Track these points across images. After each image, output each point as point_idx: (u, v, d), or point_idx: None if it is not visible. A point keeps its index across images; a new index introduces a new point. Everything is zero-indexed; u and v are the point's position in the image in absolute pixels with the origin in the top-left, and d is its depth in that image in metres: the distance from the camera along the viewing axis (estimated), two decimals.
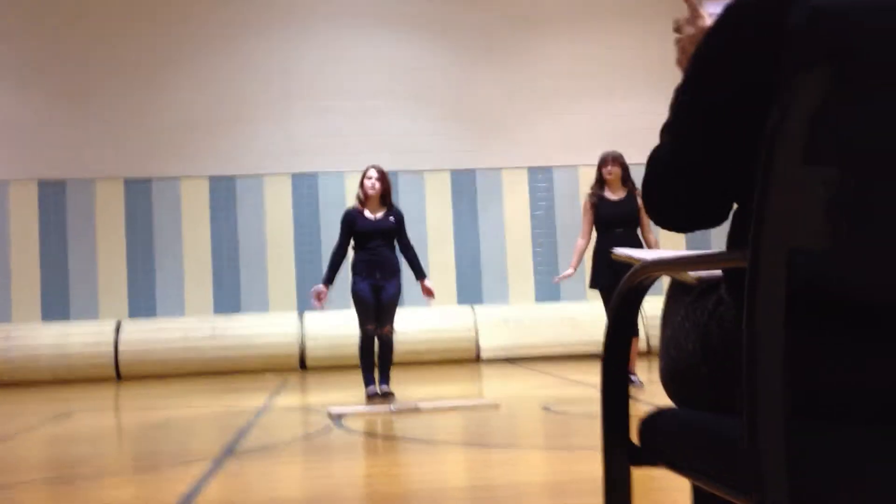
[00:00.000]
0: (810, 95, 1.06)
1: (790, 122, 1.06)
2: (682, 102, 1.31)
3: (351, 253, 7.19)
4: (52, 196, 11.26)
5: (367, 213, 7.12)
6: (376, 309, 7.03)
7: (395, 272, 7.12)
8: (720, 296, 1.35)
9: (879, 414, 1.18)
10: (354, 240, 7.14)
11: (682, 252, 1.43)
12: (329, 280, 7.15)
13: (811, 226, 1.12)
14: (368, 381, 7.13)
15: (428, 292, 7.24)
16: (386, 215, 7.13)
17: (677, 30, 1.59)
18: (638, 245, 6.93)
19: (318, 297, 7.08)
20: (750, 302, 1.10)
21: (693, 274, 1.44)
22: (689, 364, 1.38)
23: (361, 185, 7.19)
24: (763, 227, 1.09)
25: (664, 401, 1.50)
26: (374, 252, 7.05)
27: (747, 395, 1.10)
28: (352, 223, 7.11)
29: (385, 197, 7.16)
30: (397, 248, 7.21)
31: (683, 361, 1.40)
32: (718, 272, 1.38)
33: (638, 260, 1.51)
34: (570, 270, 7.34)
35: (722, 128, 1.25)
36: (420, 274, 7.24)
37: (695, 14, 1.54)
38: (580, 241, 7.30)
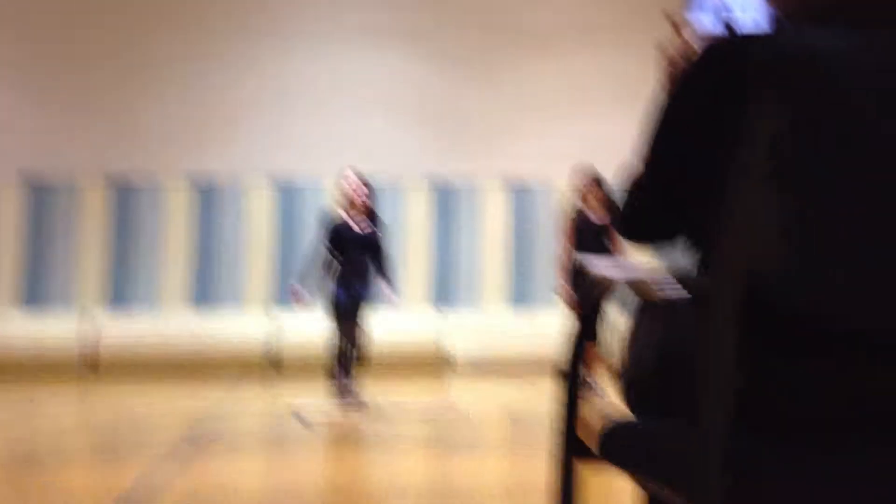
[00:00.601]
0: (771, 126, 1.13)
1: (751, 151, 1.12)
2: (654, 133, 1.38)
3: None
4: (36, 194, 11.25)
5: (352, 226, 7.16)
6: (351, 314, 7.09)
7: (372, 279, 7.18)
8: (680, 310, 1.40)
9: (827, 428, 1.23)
10: (338, 249, 7.16)
11: (643, 269, 1.49)
12: (304, 280, 7.20)
13: (768, 249, 1.18)
14: (338, 383, 7.17)
15: (389, 298, 7.25)
16: (370, 228, 7.18)
17: (665, 57, 1.66)
18: (606, 251, 7.03)
19: (297, 297, 7.15)
20: (705, 317, 1.16)
21: (657, 292, 1.50)
22: (646, 374, 1.43)
23: (345, 192, 7.22)
24: (722, 249, 1.15)
25: (621, 407, 1.56)
26: (355, 262, 7.10)
27: (699, 405, 1.15)
28: (337, 234, 7.13)
29: (370, 209, 7.21)
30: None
31: (642, 371, 1.45)
32: (679, 287, 1.44)
33: (606, 274, 1.57)
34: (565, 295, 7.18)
35: (687, 154, 1.32)
36: (387, 279, 7.23)
37: (685, 45, 1.62)
38: (563, 259, 7.30)
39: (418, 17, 11.87)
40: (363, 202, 7.15)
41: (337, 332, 7.10)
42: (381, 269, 7.22)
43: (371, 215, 7.22)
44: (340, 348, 7.11)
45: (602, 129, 11.70)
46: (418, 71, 11.88)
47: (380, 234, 7.21)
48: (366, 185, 7.24)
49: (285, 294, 11.41)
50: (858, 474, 1.18)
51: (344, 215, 7.18)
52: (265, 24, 11.71)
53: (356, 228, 7.12)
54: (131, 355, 10.36)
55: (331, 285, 7.12)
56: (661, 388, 1.40)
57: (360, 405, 6.90)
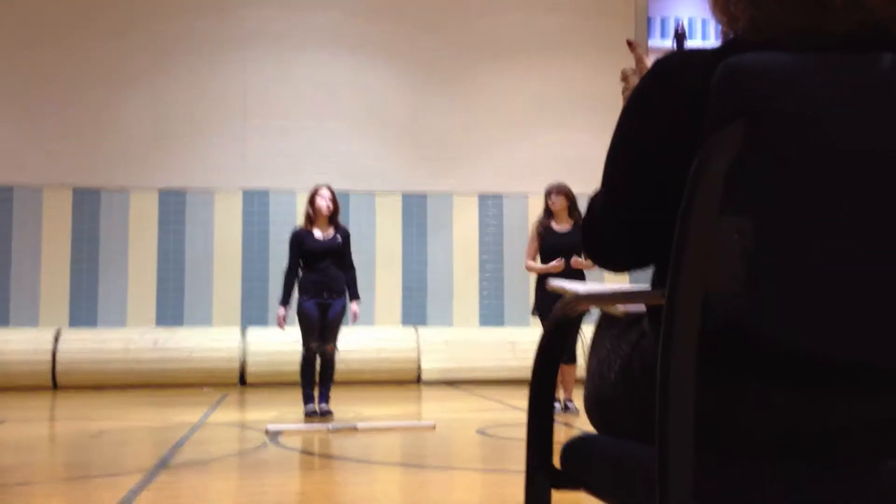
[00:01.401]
0: (726, 148, 1.14)
1: (707, 174, 1.13)
2: (613, 152, 1.38)
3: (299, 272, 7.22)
4: (0, 205, 11.09)
5: (315, 233, 7.15)
6: (321, 327, 7.07)
7: (342, 291, 7.16)
8: (643, 329, 1.41)
9: (787, 452, 1.25)
10: (303, 259, 7.15)
11: (609, 286, 1.50)
12: (286, 301, 7.18)
13: (726, 271, 1.18)
14: (308, 398, 7.15)
15: (354, 315, 7.26)
16: (334, 234, 7.17)
17: (624, 79, 1.67)
18: (582, 276, 7.04)
19: (281, 321, 7.12)
20: (665, 338, 1.17)
21: (620, 307, 1.51)
22: (612, 393, 1.44)
23: (312, 202, 7.21)
24: (680, 272, 1.16)
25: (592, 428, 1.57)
26: (323, 272, 7.08)
27: (660, 425, 1.16)
28: (301, 243, 7.14)
29: (334, 216, 7.21)
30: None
31: (606, 390, 1.46)
32: (643, 306, 1.45)
33: (570, 291, 1.58)
34: (555, 263, 7.01)
35: (648, 175, 1.32)
36: (354, 295, 7.26)
37: (641, 65, 1.62)
38: (529, 263, 7.29)
39: (390, 30, 11.91)
40: (328, 209, 7.14)
41: (306, 343, 7.07)
42: (348, 283, 7.21)
43: (336, 225, 7.22)
44: (308, 359, 7.09)
45: (574, 141, 11.78)
46: (389, 83, 11.90)
47: (344, 242, 7.20)
48: (332, 194, 7.24)
49: (254, 309, 11.39)
50: (821, 496, 1.19)
51: (308, 225, 7.19)
52: (241, 36, 11.69)
53: (319, 236, 7.11)
54: (94, 369, 10.26)
55: (300, 296, 7.12)
56: (624, 406, 1.41)
57: (328, 418, 6.89)
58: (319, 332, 7.05)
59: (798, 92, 1.18)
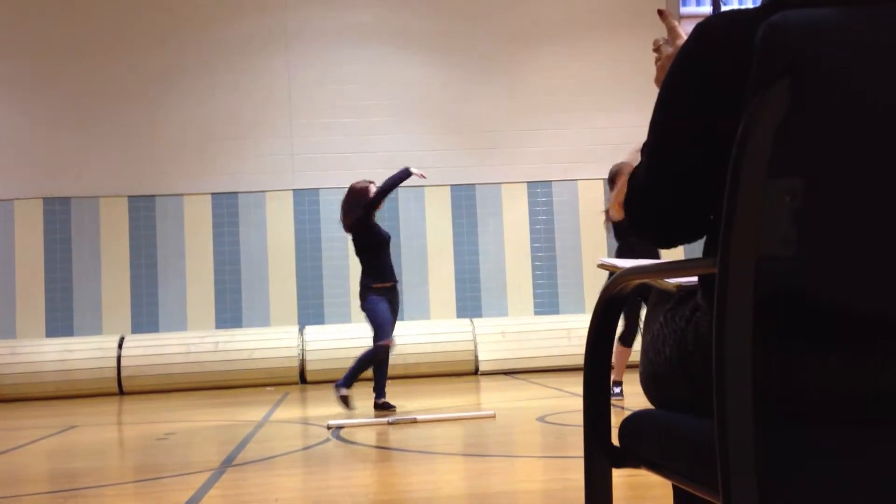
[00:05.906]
0: (772, 109, 1.11)
1: (755, 136, 1.11)
2: (657, 121, 1.36)
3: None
4: (57, 213, 11.34)
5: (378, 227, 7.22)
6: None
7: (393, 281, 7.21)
8: (697, 302, 1.39)
9: (844, 416, 1.22)
10: (373, 246, 7.15)
11: (657, 260, 1.48)
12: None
13: (777, 234, 1.16)
14: (382, 390, 7.11)
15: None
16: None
17: (657, 49, 1.64)
18: (655, 256, 6.88)
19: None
20: (719, 308, 1.15)
21: (673, 281, 1.49)
22: (667, 368, 1.42)
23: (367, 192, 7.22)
24: (731, 237, 1.13)
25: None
26: (387, 260, 7.15)
27: (717, 397, 1.14)
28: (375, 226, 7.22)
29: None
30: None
31: (662, 365, 1.44)
32: (696, 280, 1.42)
33: (621, 268, 1.56)
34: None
35: (694, 140, 1.30)
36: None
37: (673, 34, 1.59)
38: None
39: (430, 22, 11.91)
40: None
41: (384, 337, 6.91)
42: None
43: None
44: (380, 356, 6.97)
45: (622, 123, 11.65)
46: (432, 75, 11.90)
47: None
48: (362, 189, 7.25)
49: (310, 307, 11.48)
50: (881, 459, 1.16)
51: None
52: (286, 35, 11.78)
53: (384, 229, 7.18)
54: (158, 373, 10.46)
55: (371, 289, 7.04)
56: (680, 381, 1.39)
57: (389, 411, 6.90)
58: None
59: (845, 47, 1.15)
